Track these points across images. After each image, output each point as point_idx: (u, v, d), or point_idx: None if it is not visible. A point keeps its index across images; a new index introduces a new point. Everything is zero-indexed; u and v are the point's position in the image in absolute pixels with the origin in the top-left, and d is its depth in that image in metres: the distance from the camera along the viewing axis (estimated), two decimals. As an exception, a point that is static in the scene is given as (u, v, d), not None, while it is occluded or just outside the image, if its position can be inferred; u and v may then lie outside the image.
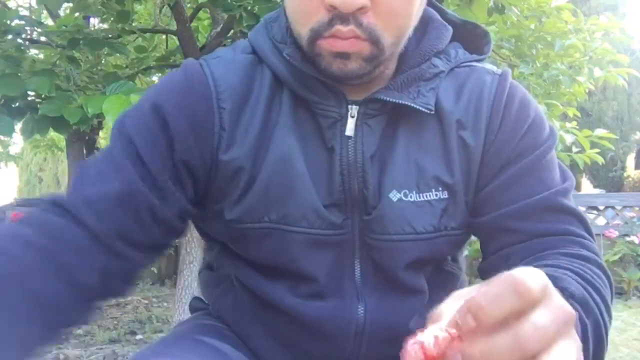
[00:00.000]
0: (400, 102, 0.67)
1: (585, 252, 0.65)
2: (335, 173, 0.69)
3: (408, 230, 0.70)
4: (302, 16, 0.63)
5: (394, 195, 0.69)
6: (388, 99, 0.67)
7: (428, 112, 0.69)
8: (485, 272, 0.74)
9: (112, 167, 0.66)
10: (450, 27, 0.75)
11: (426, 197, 0.70)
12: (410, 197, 0.69)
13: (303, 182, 0.68)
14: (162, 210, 0.67)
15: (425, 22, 0.73)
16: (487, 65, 0.77)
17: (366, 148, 0.69)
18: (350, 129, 0.69)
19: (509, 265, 0.66)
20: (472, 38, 0.79)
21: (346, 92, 0.68)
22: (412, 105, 0.68)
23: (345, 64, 0.63)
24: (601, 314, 0.56)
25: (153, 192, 0.66)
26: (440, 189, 0.70)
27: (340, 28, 0.60)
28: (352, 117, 0.69)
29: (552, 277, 0.52)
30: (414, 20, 0.67)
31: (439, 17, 0.76)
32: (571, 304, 0.49)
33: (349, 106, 0.69)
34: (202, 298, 0.91)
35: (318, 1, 0.61)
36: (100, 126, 6.08)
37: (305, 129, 0.70)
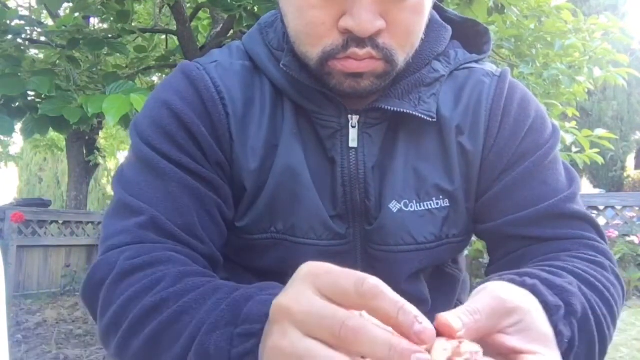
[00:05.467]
0: (402, 110, 0.66)
1: (600, 259, 0.63)
2: (338, 185, 0.68)
3: (409, 241, 0.68)
4: (311, 38, 0.60)
5: (394, 206, 0.68)
6: (390, 107, 0.66)
7: (430, 119, 0.67)
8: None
9: (169, 182, 0.64)
10: (449, 28, 0.73)
11: (427, 206, 0.69)
12: (411, 207, 0.68)
13: (309, 193, 0.67)
14: (224, 208, 0.68)
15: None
16: (487, 66, 0.74)
17: (368, 159, 0.68)
18: (353, 139, 0.67)
19: (520, 269, 0.65)
20: (472, 36, 0.77)
21: (345, 101, 0.66)
22: (415, 113, 0.66)
23: (358, 83, 0.61)
24: (600, 329, 0.55)
25: (214, 193, 0.67)
26: (440, 197, 0.69)
27: (356, 51, 0.58)
28: (354, 127, 0.67)
29: (560, 288, 0.52)
30: (423, 33, 0.65)
31: (437, 16, 0.74)
32: (569, 322, 0.49)
33: (349, 116, 0.67)
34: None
35: (331, 24, 0.58)
36: (100, 126, 6.08)
37: (307, 138, 0.69)
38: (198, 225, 0.64)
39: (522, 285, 0.48)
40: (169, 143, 0.65)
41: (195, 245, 0.63)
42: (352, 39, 0.58)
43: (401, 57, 0.62)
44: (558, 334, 0.46)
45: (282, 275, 0.72)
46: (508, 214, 0.68)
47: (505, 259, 0.70)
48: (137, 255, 0.58)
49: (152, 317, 0.51)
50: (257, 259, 0.72)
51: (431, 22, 0.71)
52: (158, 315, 0.51)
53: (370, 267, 0.71)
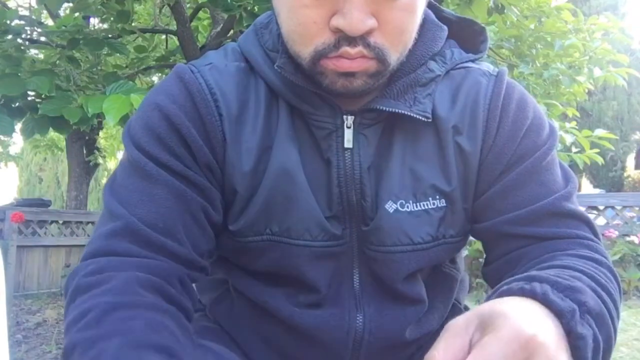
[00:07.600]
0: (397, 111, 0.66)
1: (596, 255, 0.63)
2: (333, 185, 0.68)
3: (405, 242, 0.68)
4: (303, 37, 0.61)
5: (390, 206, 0.68)
6: (384, 108, 0.66)
7: (425, 120, 0.67)
8: (491, 276, 0.73)
9: (155, 185, 0.65)
10: (444, 27, 0.72)
11: (423, 206, 0.68)
12: (407, 207, 0.68)
13: (304, 194, 0.67)
14: (211, 211, 0.68)
15: (419, 24, 0.70)
16: (484, 65, 0.74)
17: (363, 159, 0.68)
18: (348, 140, 0.67)
19: (518, 269, 0.65)
20: (468, 35, 0.77)
21: (340, 102, 0.66)
22: (409, 113, 0.66)
23: (350, 82, 0.61)
24: (612, 322, 0.55)
25: (200, 196, 0.67)
26: (437, 197, 0.69)
27: (348, 50, 0.59)
28: (349, 127, 0.67)
29: (570, 289, 0.51)
30: (416, 32, 0.65)
31: (433, 16, 0.73)
32: (587, 320, 0.49)
33: (344, 116, 0.67)
34: (200, 299, 0.91)
35: (323, 23, 0.59)
36: (100, 126, 6.08)
37: (302, 139, 0.69)
38: (181, 229, 0.64)
39: (533, 294, 0.48)
40: (159, 145, 0.65)
41: (174, 249, 0.64)
42: (344, 38, 0.58)
43: (394, 56, 0.62)
44: (579, 337, 0.46)
45: (278, 277, 0.73)
46: (504, 213, 0.68)
47: (501, 259, 0.70)
48: (94, 272, 0.60)
49: None
50: (253, 261, 0.72)
51: (427, 22, 0.70)
52: None
53: (367, 267, 0.71)
